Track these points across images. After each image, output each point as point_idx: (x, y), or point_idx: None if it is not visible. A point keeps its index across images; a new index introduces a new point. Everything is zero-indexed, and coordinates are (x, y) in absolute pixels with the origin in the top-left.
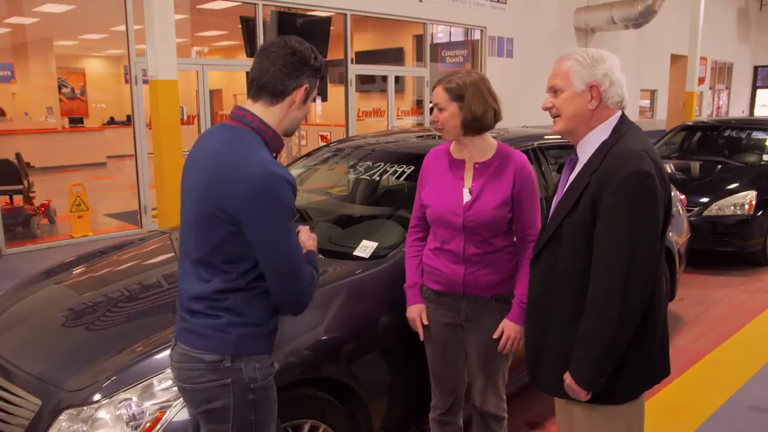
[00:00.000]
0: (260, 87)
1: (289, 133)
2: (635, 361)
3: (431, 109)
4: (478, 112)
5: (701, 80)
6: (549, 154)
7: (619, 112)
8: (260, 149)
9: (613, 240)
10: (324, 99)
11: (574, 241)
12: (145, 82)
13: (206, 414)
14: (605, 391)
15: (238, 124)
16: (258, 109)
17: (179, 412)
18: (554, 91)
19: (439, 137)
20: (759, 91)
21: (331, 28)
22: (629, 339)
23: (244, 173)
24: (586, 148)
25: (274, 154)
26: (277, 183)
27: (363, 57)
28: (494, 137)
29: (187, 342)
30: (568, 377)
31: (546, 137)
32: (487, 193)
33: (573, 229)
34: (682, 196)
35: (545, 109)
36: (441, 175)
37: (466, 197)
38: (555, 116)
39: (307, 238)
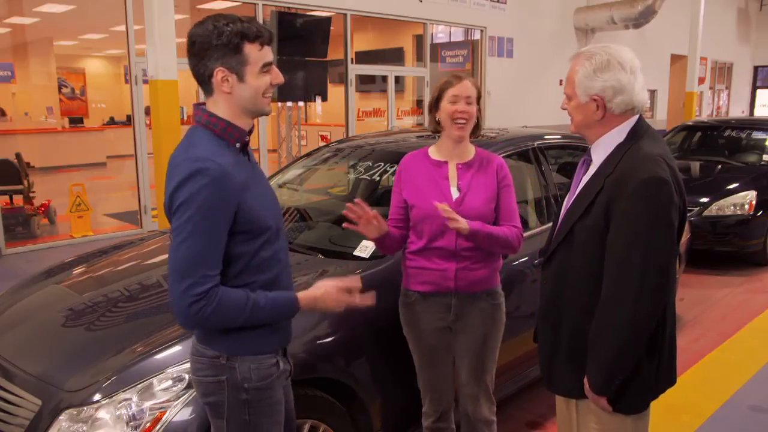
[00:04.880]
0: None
1: (256, 111)
2: (646, 370)
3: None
4: (481, 117)
5: (701, 80)
6: (549, 154)
7: (636, 117)
8: (204, 145)
9: (627, 246)
10: (324, 99)
11: (587, 245)
12: (145, 82)
13: (207, 407)
14: (616, 398)
15: (195, 123)
16: (208, 102)
17: (179, 412)
18: (566, 96)
19: (438, 137)
20: (759, 91)
21: (331, 28)
22: (642, 347)
23: (175, 171)
24: (600, 150)
25: (237, 145)
26: (196, 178)
27: (363, 57)
28: (493, 137)
29: (196, 335)
30: (586, 383)
31: (546, 137)
32: (474, 190)
33: (585, 233)
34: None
35: (564, 108)
36: (424, 175)
37: (455, 194)
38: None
39: (326, 294)
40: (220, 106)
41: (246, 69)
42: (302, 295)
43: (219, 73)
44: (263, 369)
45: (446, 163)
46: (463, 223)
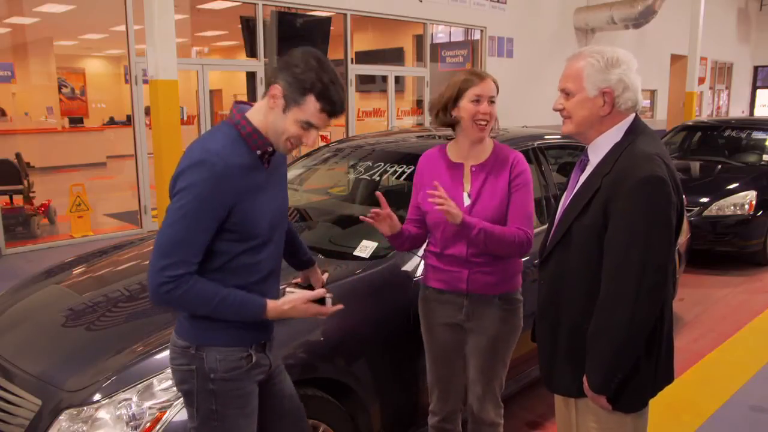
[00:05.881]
0: None
1: (275, 143)
2: (645, 368)
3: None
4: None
5: (701, 80)
6: (549, 154)
7: (633, 115)
8: (222, 141)
9: (625, 245)
10: None
11: (584, 244)
12: (145, 82)
13: (181, 394)
14: (615, 396)
15: (227, 119)
16: (257, 104)
17: (179, 412)
18: (566, 93)
19: (439, 137)
20: (759, 91)
21: (331, 28)
22: (641, 346)
23: (185, 156)
24: (598, 150)
25: (258, 152)
26: (199, 168)
27: (363, 57)
28: (493, 137)
29: (175, 326)
30: (585, 382)
31: (546, 137)
32: (485, 195)
33: (583, 233)
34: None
35: (556, 110)
36: (438, 178)
37: (466, 201)
38: (565, 117)
39: (291, 305)
40: (260, 114)
41: (294, 108)
42: (272, 304)
43: (275, 88)
44: (230, 361)
45: (462, 164)
46: (455, 212)
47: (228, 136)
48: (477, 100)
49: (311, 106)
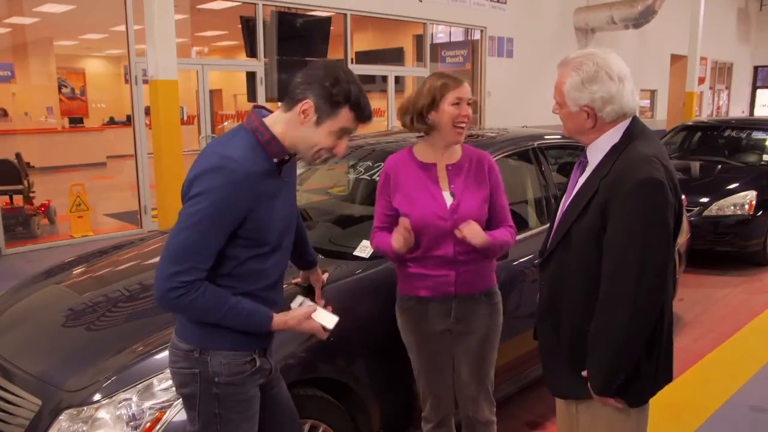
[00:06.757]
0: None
1: (297, 151)
2: (645, 368)
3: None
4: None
5: (701, 80)
6: (549, 154)
7: (630, 117)
8: (241, 148)
9: (623, 247)
10: None
11: (584, 246)
12: (145, 82)
13: (182, 398)
14: (616, 396)
15: (244, 123)
16: (276, 111)
17: (179, 412)
18: (557, 102)
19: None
20: (759, 91)
21: (331, 28)
22: (642, 346)
23: (202, 160)
24: (596, 152)
25: (275, 159)
26: (218, 173)
27: (363, 57)
28: (493, 137)
29: (175, 329)
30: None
31: (546, 137)
32: (468, 193)
33: (582, 234)
34: (683, 196)
35: (555, 113)
36: (413, 181)
37: (449, 200)
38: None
39: (299, 321)
40: (282, 124)
41: (328, 121)
42: (278, 318)
43: (306, 104)
44: (235, 365)
45: (434, 165)
46: (482, 238)
47: (247, 142)
48: (458, 103)
49: (345, 114)
